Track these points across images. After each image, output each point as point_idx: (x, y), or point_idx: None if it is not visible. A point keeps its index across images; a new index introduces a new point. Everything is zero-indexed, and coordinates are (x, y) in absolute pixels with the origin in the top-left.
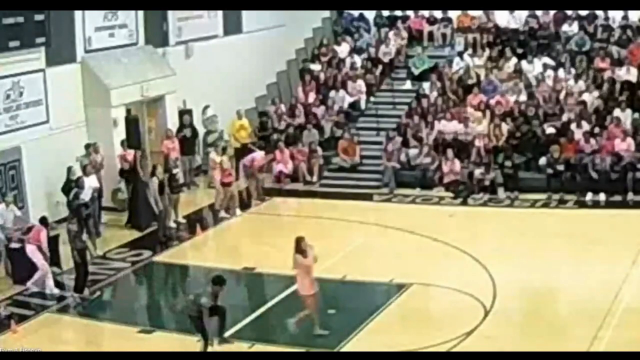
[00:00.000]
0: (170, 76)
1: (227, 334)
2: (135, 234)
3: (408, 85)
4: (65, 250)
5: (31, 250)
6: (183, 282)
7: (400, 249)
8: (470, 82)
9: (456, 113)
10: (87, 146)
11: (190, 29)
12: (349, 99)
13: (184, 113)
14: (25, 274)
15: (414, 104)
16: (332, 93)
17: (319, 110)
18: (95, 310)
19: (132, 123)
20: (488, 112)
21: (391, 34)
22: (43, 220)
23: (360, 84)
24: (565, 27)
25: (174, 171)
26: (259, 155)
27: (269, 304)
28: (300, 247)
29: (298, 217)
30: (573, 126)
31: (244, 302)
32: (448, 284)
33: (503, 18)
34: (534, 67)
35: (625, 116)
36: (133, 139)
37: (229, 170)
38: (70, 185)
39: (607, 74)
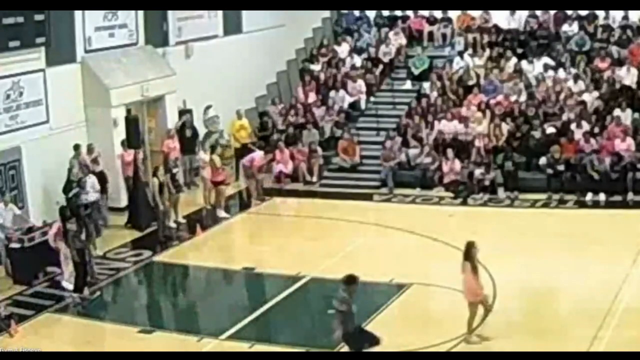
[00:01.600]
0: (170, 76)
1: (227, 334)
2: (135, 234)
3: (408, 85)
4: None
5: (62, 246)
6: (183, 282)
7: (400, 249)
8: (470, 82)
9: (456, 113)
10: (76, 147)
11: (190, 29)
12: (349, 99)
13: (184, 113)
14: (25, 274)
15: (414, 104)
16: (332, 93)
17: (319, 111)
18: (95, 310)
19: (132, 123)
20: (488, 112)
21: (391, 34)
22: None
23: (360, 84)
24: (565, 27)
25: (174, 171)
26: (258, 156)
27: (269, 304)
28: (470, 252)
29: (298, 217)
30: (573, 126)
31: (244, 302)
32: (448, 284)
33: (503, 18)
34: (534, 67)
35: (625, 116)
36: (133, 139)
37: (220, 169)
38: (72, 186)
39: (607, 74)
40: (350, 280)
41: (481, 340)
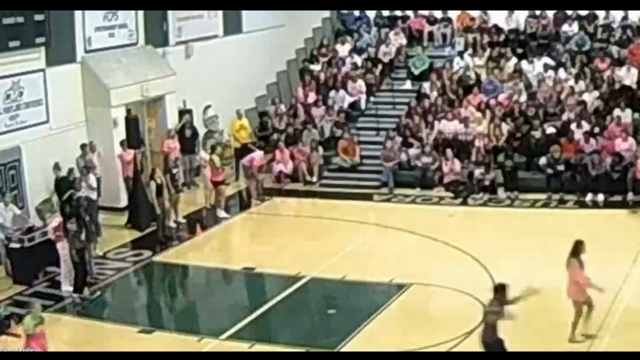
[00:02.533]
0: (170, 76)
1: (227, 334)
2: (135, 234)
3: (408, 85)
4: None
5: (62, 246)
6: (183, 282)
7: (400, 249)
8: (470, 82)
9: (456, 113)
10: (83, 146)
11: (190, 29)
12: (349, 99)
13: (184, 113)
14: (25, 274)
15: (414, 104)
16: (332, 93)
17: (318, 111)
18: (95, 310)
19: (132, 123)
20: (488, 112)
21: (391, 34)
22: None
23: (360, 84)
24: (565, 27)
25: (174, 171)
26: (257, 156)
27: (269, 304)
28: (578, 250)
29: (298, 217)
30: (573, 126)
31: (244, 302)
32: (448, 284)
33: (503, 18)
34: (534, 67)
35: (625, 116)
36: (133, 139)
37: (220, 169)
38: (70, 186)
39: (607, 74)
40: (499, 288)
41: (585, 339)
